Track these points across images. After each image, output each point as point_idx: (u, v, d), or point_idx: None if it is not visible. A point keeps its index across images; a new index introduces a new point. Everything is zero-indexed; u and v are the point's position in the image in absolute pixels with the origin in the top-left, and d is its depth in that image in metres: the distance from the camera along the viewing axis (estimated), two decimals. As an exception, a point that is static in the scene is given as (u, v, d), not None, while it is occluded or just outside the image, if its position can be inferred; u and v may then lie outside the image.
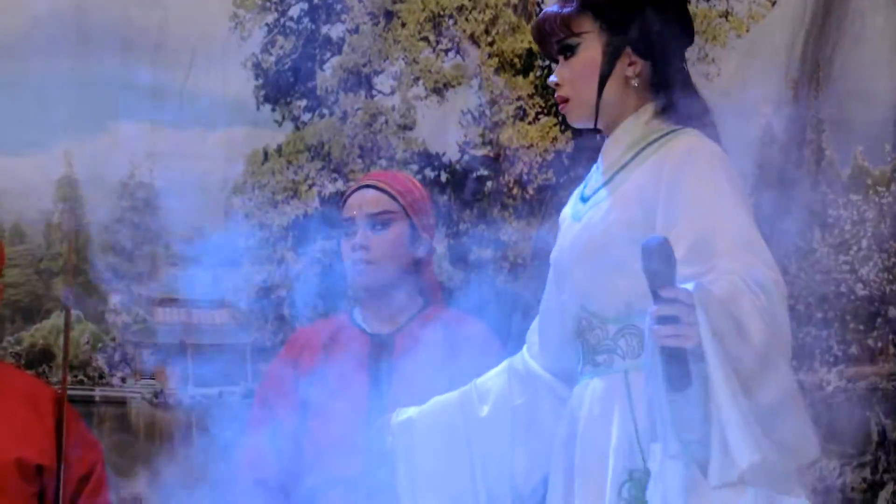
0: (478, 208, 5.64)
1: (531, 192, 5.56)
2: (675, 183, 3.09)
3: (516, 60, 5.65)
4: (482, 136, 5.63)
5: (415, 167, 5.58)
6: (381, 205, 3.98)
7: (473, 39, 5.65)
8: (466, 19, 5.61)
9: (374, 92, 5.60)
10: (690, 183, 3.07)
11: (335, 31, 5.51)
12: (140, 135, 5.21)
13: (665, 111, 3.27)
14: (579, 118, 3.29)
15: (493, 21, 5.62)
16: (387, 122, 5.55)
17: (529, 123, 5.61)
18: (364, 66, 5.56)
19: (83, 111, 5.15)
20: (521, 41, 5.63)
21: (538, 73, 5.71)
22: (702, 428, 2.81)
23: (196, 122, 5.26)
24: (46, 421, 4.17)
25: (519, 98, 5.61)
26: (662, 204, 3.09)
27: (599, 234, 3.18)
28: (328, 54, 5.48)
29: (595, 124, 3.28)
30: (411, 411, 3.48)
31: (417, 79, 5.59)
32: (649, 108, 3.26)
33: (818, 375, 5.34)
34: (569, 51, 3.29)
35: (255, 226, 5.41)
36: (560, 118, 5.52)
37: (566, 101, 3.31)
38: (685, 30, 3.37)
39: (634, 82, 3.25)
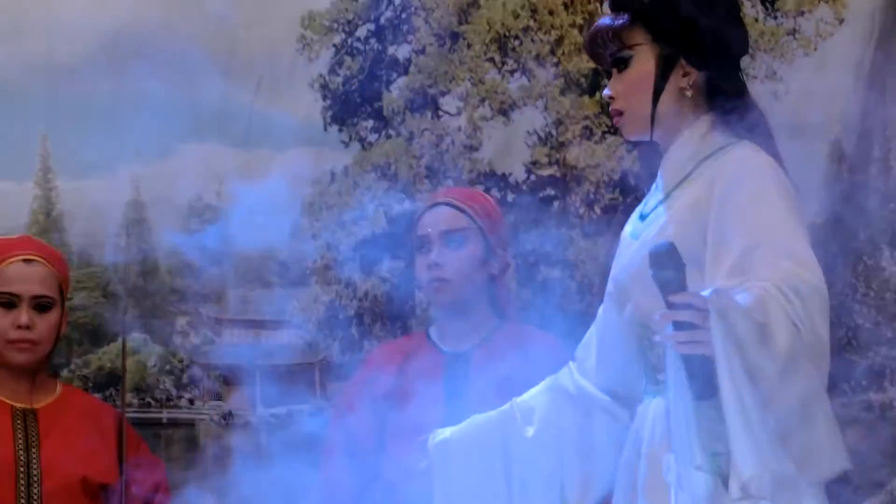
0: (545, 228, 5.62)
1: (598, 211, 5.56)
2: (725, 198, 3.04)
3: (582, 80, 5.63)
4: (548, 155, 5.63)
5: (481, 187, 5.50)
6: (455, 222, 3.99)
7: (539, 60, 5.64)
8: (532, 40, 5.62)
9: (440, 112, 5.61)
10: (739, 198, 3.03)
11: (402, 51, 5.56)
12: (208, 157, 5.26)
13: (721, 122, 3.22)
14: (634, 131, 3.26)
15: (559, 41, 5.62)
16: (453, 142, 5.57)
17: (596, 143, 5.60)
18: (430, 86, 5.59)
19: (150, 134, 5.16)
20: (587, 61, 5.47)
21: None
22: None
23: (264, 144, 5.29)
24: (110, 441, 4.19)
25: (585, 117, 5.60)
26: (713, 220, 3.04)
27: (642, 268, 3.11)
28: (395, 75, 5.52)
29: (650, 137, 3.25)
30: (447, 432, 3.49)
31: (483, 99, 5.60)
32: (705, 120, 3.22)
33: (888, 395, 5.32)
34: (622, 63, 3.25)
35: (322, 246, 5.43)
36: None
37: (621, 113, 3.26)
38: (739, 38, 3.31)
39: (689, 93, 3.21)
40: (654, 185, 3.30)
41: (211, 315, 5.43)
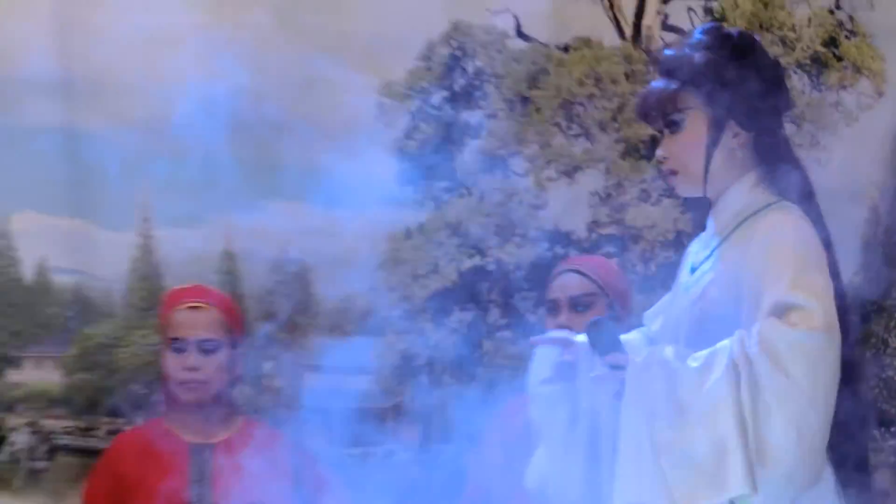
0: None
1: (654, 268, 5.69)
2: (755, 263, 3.13)
3: (640, 145, 5.79)
4: (609, 216, 5.79)
5: (545, 244, 5.70)
6: (582, 288, 4.17)
7: (601, 126, 5.82)
8: (595, 107, 5.80)
9: (509, 173, 5.77)
10: (767, 263, 3.11)
11: (474, 116, 5.71)
12: (292, 213, 5.36)
13: (766, 178, 3.29)
14: (688, 190, 3.33)
15: (620, 109, 5.79)
16: (521, 201, 5.70)
17: (652, 205, 5.74)
18: (500, 148, 5.73)
19: (242, 189, 5.12)
20: (646, 128, 5.50)
21: None
22: None
23: (344, 202, 5.25)
24: (284, 469, 4.28)
25: (642, 181, 5.77)
26: (746, 287, 3.14)
27: (698, 312, 3.26)
28: (467, 138, 5.67)
29: (704, 193, 3.32)
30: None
31: (550, 161, 5.76)
32: (752, 177, 3.28)
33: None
34: (674, 126, 3.29)
35: (398, 298, 5.57)
36: (681, 200, 5.43)
37: (674, 173, 3.32)
38: (783, 99, 3.38)
39: (739, 153, 3.28)
40: (702, 235, 3.40)
41: (294, 361, 5.48)
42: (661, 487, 3.06)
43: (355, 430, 5.19)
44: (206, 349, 4.33)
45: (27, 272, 5.59)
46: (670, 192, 5.34)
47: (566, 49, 5.89)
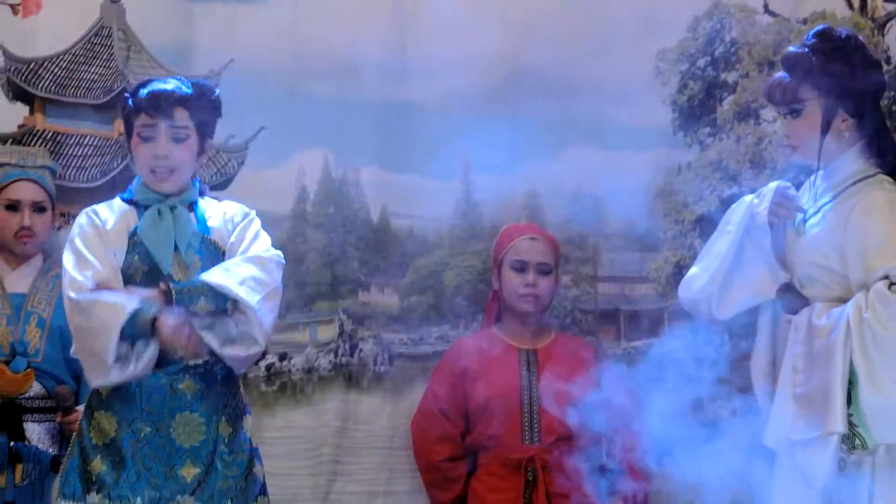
0: None
1: None
2: (854, 231, 3.53)
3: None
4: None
5: (791, 175, 5.08)
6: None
7: None
8: None
9: (760, 121, 6.00)
10: (863, 231, 3.50)
11: (730, 76, 5.98)
12: (586, 158, 5.73)
13: (866, 151, 3.66)
14: (806, 160, 3.75)
15: None
16: (770, 142, 5.90)
17: None
18: (752, 102, 5.95)
19: (543, 142, 5.70)
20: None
21: (886, 103, 5.89)
22: None
23: (628, 146, 5.76)
24: (589, 369, 4.75)
25: None
26: (846, 248, 3.56)
27: (808, 264, 3.69)
28: (725, 94, 5.92)
29: (819, 167, 3.72)
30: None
31: None
32: (856, 149, 3.65)
33: None
34: (795, 112, 3.66)
35: (671, 221, 5.86)
36: None
37: (795, 148, 3.74)
38: (881, 88, 3.72)
39: (846, 133, 3.65)
40: (806, 193, 3.78)
41: (588, 273, 5.86)
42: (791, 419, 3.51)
43: (638, 328, 5.79)
44: (541, 271, 4.90)
45: (374, 216, 5.85)
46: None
47: (804, 22, 6.01)
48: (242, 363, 4.11)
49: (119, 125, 5.38)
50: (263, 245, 4.19)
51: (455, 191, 5.91)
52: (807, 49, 3.62)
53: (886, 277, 3.43)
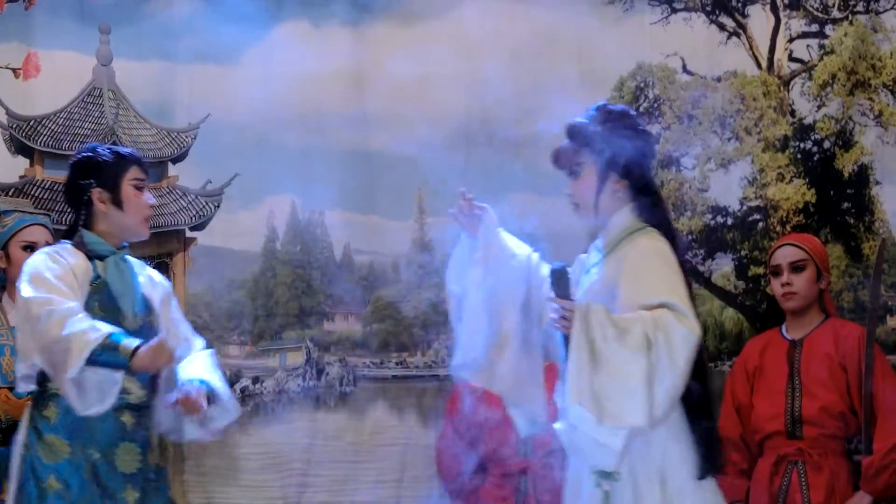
0: (752, 240, 6.24)
1: (788, 229, 6.11)
2: (629, 272, 3.59)
3: (776, 142, 6.24)
4: (755, 193, 6.24)
5: (708, 217, 6.24)
6: (797, 256, 4.80)
7: (747, 130, 6.28)
8: (741, 118, 6.26)
9: (681, 168, 6.25)
10: (637, 272, 3.57)
11: (654, 129, 6.10)
12: (527, 202, 5.49)
13: (638, 210, 3.73)
14: (585, 217, 3.78)
15: (760, 118, 6.27)
16: (690, 187, 6.19)
17: (786, 183, 6.17)
18: (674, 151, 6.23)
19: (490, 187, 5.09)
20: (780, 130, 6.26)
21: (791, 151, 6.26)
22: None
23: (562, 192, 4.41)
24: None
25: (779, 167, 6.19)
26: (621, 286, 3.59)
27: (588, 298, 3.67)
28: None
29: (595, 218, 3.76)
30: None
31: (710, 158, 6.23)
32: (628, 208, 3.73)
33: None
34: (575, 174, 3.75)
35: None
36: (807, 180, 6.17)
37: (577, 205, 3.77)
38: (650, 154, 3.83)
39: (619, 193, 3.72)
40: (593, 246, 3.82)
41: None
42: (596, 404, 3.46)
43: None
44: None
45: (337, 253, 6.05)
46: (799, 174, 6.07)
47: (719, 79, 6.29)
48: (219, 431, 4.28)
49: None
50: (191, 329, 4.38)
51: (411, 230, 6.09)
52: (586, 121, 3.77)
53: (663, 306, 3.51)
